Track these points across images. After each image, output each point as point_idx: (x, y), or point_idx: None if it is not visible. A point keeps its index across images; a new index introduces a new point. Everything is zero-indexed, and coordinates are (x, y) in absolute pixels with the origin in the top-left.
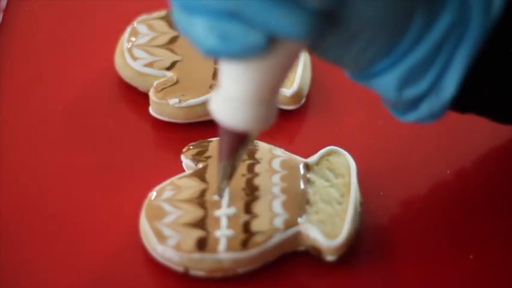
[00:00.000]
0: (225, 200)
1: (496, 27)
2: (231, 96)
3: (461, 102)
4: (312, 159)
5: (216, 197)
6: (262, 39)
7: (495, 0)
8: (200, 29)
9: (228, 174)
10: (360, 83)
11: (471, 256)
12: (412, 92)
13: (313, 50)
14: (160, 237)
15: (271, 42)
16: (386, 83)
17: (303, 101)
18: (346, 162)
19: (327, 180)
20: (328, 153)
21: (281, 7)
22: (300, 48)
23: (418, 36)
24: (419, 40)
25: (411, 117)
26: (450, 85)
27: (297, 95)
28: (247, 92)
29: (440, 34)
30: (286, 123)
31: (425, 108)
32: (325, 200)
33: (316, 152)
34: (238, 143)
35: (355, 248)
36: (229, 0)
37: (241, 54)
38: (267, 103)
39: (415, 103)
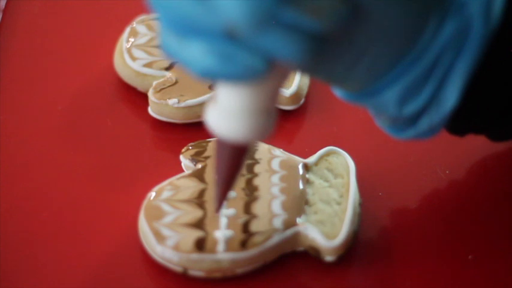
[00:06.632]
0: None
1: (495, 34)
2: (229, 108)
3: (460, 118)
4: (311, 159)
5: (216, 213)
6: (262, 63)
7: (494, 8)
8: (196, 52)
9: (227, 193)
10: (354, 103)
11: (470, 256)
12: (412, 106)
13: (315, 72)
14: (159, 237)
15: (270, 65)
16: (386, 100)
17: (302, 101)
18: (345, 162)
19: (326, 180)
20: (327, 154)
21: (278, 30)
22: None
23: (426, 45)
24: (426, 49)
25: (409, 133)
26: (451, 96)
27: (296, 95)
28: (246, 103)
29: (443, 43)
30: (285, 123)
31: (425, 123)
32: (324, 200)
33: (315, 152)
34: (237, 158)
35: (354, 248)
36: (224, 22)
37: (242, 77)
38: (267, 112)
39: (414, 118)
